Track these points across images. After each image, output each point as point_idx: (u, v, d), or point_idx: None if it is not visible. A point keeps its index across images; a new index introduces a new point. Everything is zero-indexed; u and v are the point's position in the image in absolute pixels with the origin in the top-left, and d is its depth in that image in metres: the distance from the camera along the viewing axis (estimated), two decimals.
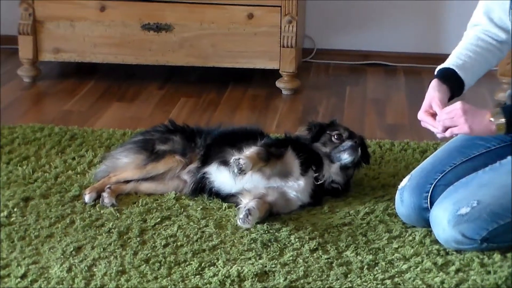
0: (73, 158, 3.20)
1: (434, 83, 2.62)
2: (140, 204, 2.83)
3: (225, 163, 2.79)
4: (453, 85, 2.62)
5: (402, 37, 4.62)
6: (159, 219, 2.72)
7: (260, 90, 4.21)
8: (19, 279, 2.34)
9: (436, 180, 2.63)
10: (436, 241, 2.57)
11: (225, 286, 2.34)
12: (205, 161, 2.88)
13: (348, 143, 2.87)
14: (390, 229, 2.67)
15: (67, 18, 4.15)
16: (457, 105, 2.48)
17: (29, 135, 3.41)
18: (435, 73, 2.67)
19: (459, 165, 2.61)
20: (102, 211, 2.77)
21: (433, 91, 2.59)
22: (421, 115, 2.59)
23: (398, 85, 4.34)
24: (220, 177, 2.83)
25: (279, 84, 4.17)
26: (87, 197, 2.83)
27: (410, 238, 2.61)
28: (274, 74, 4.16)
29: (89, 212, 2.76)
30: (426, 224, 2.62)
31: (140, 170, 2.92)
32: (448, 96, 2.60)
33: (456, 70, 2.63)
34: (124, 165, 2.94)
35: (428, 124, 2.56)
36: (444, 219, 2.50)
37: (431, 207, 2.59)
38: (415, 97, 4.12)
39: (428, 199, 2.61)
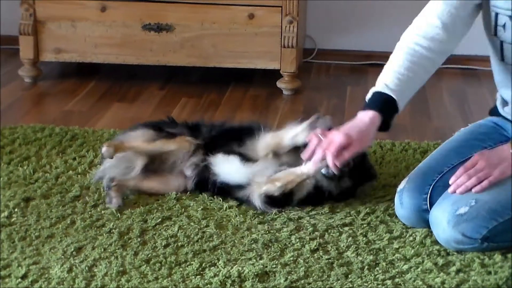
0: (74, 159, 3.21)
1: (375, 118, 2.55)
2: (140, 205, 2.83)
3: (231, 152, 2.77)
4: (388, 119, 2.59)
5: None
6: (159, 220, 2.72)
7: (261, 90, 4.21)
8: (19, 280, 2.34)
9: (435, 181, 2.63)
10: (436, 242, 2.57)
11: (225, 287, 2.33)
12: (209, 152, 2.87)
13: None
14: (390, 230, 2.67)
15: (68, 18, 4.15)
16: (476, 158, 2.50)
17: (30, 135, 3.41)
18: (372, 96, 2.60)
19: (457, 165, 2.60)
20: (103, 212, 2.77)
21: (366, 127, 2.55)
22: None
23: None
24: (227, 167, 2.81)
25: (280, 84, 4.17)
26: (104, 149, 2.82)
27: (411, 238, 2.61)
28: (275, 75, 4.16)
29: (89, 213, 2.76)
30: (427, 225, 2.61)
31: (151, 144, 2.90)
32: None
33: (396, 99, 2.57)
34: (134, 138, 2.93)
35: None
36: (443, 220, 2.50)
37: (430, 208, 2.59)
38: (416, 97, 4.11)
39: (428, 201, 2.61)
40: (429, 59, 2.64)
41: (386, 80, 2.60)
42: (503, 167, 2.48)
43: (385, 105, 2.58)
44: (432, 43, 2.62)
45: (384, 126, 2.60)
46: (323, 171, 2.69)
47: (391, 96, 2.58)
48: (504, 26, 2.52)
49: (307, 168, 2.68)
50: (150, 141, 2.89)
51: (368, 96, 2.63)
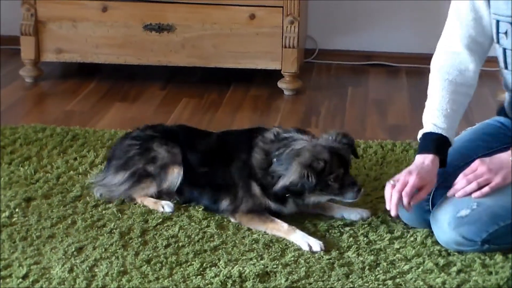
0: (75, 159, 3.21)
1: (435, 160, 2.54)
2: (141, 205, 2.82)
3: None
4: (445, 157, 2.59)
5: (404, 37, 4.62)
6: (160, 220, 2.72)
7: (262, 90, 4.21)
8: (20, 280, 2.35)
9: (438, 183, 2.62)
10: (437, 242, 2.56)
11: (226, 287, 2.33)
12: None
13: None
14: (391, 230, 2.67)
15: (69, 19, 4.15)
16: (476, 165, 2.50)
17: (31, 135, 3.41)
18: (424, 138, 2.60)
19: (461, 167, 2.59)
20: (103, 212, 2.77)
21: (431, 170, 2.53)
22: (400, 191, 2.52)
23: (400, 86, 4.34)
24: None
25: (281, 84, 4.16)
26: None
27: (412, 238, 2.61)
28: (276, 75, 4.16)
29: (90, 213, 2.76)
30: (428, 226, 2.61)
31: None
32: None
33: (448, 137, 2.58)
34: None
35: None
36: (444, 222, 2.50)
37: (432, 209, 2.58)
38: (418, 98, 4.11)
39: (430, 202, 2.61)
40: (466, 87, 2.64)
41: (434, 120, 2.60)
42: (504, 174, 2.47)
43: (439, 145, 2.57)
44: (466, 76, 2.62)
45: (441, 163, 2.59)
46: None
47: (442, 135, 2.57)
48: (506, 33, 2.51)
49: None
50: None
51: (419, 136, 2.62)
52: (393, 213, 2.51)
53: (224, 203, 2.74)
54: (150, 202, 2.81)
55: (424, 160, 2.54)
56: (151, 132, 2.92)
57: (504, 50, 2.55)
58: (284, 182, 2.61)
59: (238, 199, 2.72)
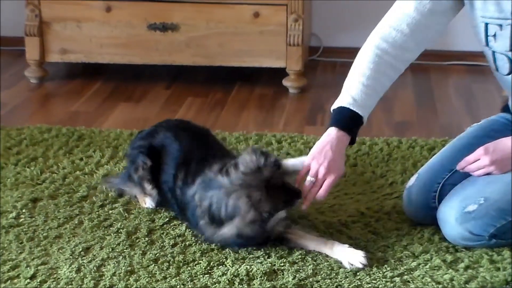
0: (81, 159, 3.21)
1: (344, 138, 2.52)
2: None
3: None
4: (355, 136, 2.55)
5: None
6: (167, 219, 2.72)
7: (267, 89, 4.21)
8: (28, 280, 2.35)
9: (444, 179, 2.62)
10: (445, 238, 2.56)
11: (234, 285, 2.33)
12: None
13: None
14: (398, 227, 2.67)
15: (74, 19, 4.15)
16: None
17: (37, 136, 3.42)
18: (339, 112, 2.54)
19: None
20: (110, 212, 2.77)
21: (342, 150, 2.52)
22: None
23: (405, 82, 4.33)
24: None
25: (285, 82, 4.16)
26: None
27: (419, 235, 2.61)
28: (280, 73, 4.16)
29: (97, 213, 2.76)
30: (435, 223, 2.60)
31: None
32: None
33: (363, 116, 2.54)
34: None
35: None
36: (451, 217, 2.49)
37: (439, 206, 2.58)
38: (423, 94, 4.11)
39: (436, 198, 2.61)
40: (395, 68, 2.61)
41: (353, 92, 2.55)
42: (507, 163, 2.47)
43: (353, 123, 2.54)
44: (400, 52, 2.59)
45: (352, 141, 2.57)
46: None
47: (358, 114, 2.54)
48: (494, 35, 2.50)
49: None
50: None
51: (335, 107, 2.57)
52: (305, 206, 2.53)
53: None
54: (139, 195, 2.83)
55: (334, 139, 2.51)
56: (142, 142, 2.85)
57: (494, 52, 2.53)
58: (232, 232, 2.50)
59: None
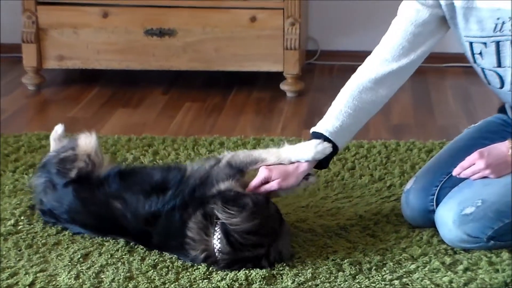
0: None
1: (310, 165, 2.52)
2: None
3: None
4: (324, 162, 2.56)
5: None
6: None
7: (264, 93, 4.21)
8: (27, 287, 2.35)
9: (442, 182, 2.62)
10: (443, 241, 2.56)
11: None
12: None
13: None
14: (397, 230, 2.67)
15: (70, 25, 4.16)
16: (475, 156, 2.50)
17: (35, 143, 3.42)
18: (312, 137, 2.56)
19: None
20: None
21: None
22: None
23: (403, 85, 4.31)
24: None
25: (283, 86, 4.16)
26: None
27: (418, 238, 2.61)
28: (278, 77, 4.16)
29: None
30: (433, 226, 2.61)
31: None
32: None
33: (338, 145, 2.55)
34: None
35: None
36: (449, 220, 2.49)
37: (436, 208, 2.58)
38: (420, 97, 4.12)
39: (434, 201, 2.61)
40: (374, 106, 2.65)
41: (330, 125, 2.57)
42: (501, 168, 2.48)
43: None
44: (382, 88, 2.66)
45: (321, 165, 2.58)
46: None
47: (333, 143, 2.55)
48: (480, 53, 2.52)
49: None
50: None
51: (314, 130, 2.59)
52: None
53: None
54: None
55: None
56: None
57: (482, 69, 2.55)
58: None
59: None
